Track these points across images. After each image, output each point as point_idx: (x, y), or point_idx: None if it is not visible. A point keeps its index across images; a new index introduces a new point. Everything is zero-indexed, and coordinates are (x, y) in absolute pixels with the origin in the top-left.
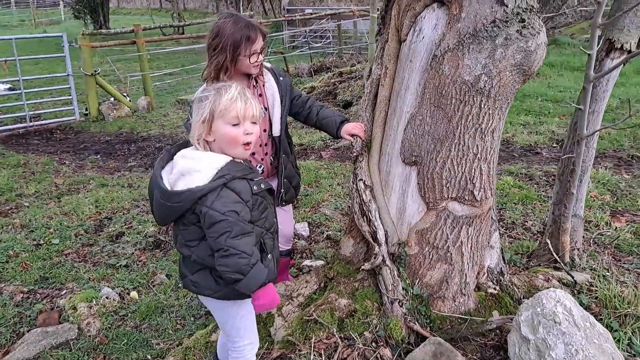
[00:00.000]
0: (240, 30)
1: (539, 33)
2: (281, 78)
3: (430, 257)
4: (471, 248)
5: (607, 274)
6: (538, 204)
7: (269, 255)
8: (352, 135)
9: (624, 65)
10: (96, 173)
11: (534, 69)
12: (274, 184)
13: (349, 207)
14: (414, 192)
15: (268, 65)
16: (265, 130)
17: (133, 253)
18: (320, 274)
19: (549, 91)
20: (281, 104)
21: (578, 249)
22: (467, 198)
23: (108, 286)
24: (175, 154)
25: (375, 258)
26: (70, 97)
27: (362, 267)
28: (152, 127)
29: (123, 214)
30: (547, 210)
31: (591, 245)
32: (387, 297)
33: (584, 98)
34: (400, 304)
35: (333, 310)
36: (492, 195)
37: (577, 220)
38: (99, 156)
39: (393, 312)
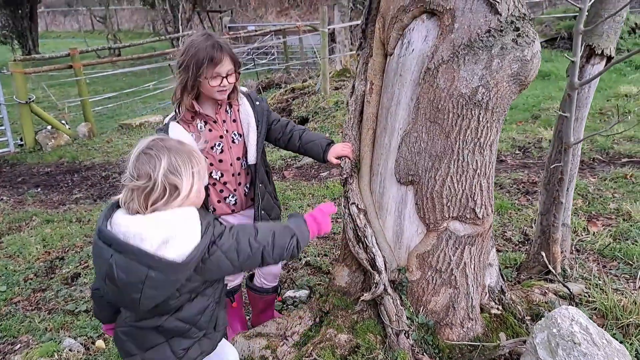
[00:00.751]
0: (205, 50)
1: (534, 41)
2: (257, 102)
3: (434, 281)
4: (474, 268)
5: (600, 282)
6: (513, 212)
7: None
8: (340, 158)
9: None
10: (38, 208)
11: (530, 79)
12: (250, 215)
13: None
14: (411, 214)
15: (244, 89)
16: (239, 159)
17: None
18: (315, 307)
19: None
20: (257, 129)
21: (568, 259)
22: (468, 216)
23: (69, 336)
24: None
25: (376, 287)
26: (2, 128)
27: (362, 298)
28: (95, 155)
29: (76, 252)
30: (525, 219)
31: (573, 252)
32: (392, 328)
33: (569, 105)
34: (407, 335)
35: (334, 348)
36: (492, 211)
37: (565, 229)
38: (39, 189)
39: (399, 344)
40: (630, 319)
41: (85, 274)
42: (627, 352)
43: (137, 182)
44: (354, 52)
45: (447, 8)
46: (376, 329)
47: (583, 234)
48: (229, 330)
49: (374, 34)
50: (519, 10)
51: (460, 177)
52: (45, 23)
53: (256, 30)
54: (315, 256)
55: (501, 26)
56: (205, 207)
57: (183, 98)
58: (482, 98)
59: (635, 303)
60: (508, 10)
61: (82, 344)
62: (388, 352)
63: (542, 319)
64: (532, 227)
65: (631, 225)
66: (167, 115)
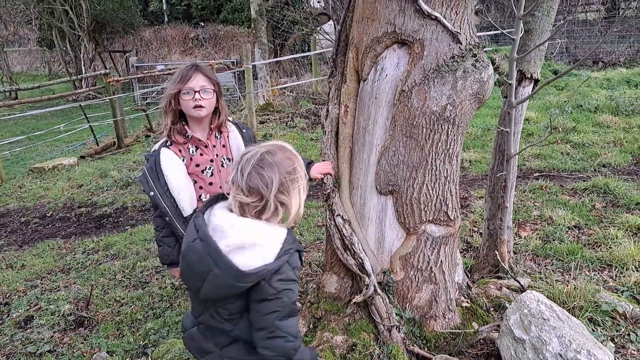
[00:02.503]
0: (180, 71)
1: (488, 65)
2: (244, 130)
3: (417, 279)
4: (449, 265)
5: (542, 276)
6: None
7: None
8: (324, 174)
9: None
10: None
11: (487, 97)
12: None
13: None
14: (391, 220)
15: (230, 118)
16: (227, 182)
17: (52, 336)
18: (307, 315)
19: None
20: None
21: (512, 258)
22: (442, 219)
23: None
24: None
25: (366, 289)
26: None
27: (354, 300)
28: (9, 201)
29: (20, 296)
30: (463, 230)
31: (511, 254)
32: (383, 325)
33: (508, 122)
34: (398, 329)
35: (333, 349)
36: (460, 213)
37: (509, 231)
38: None
39: (392, 338)
40: (575, 303)
41: (40, 316)
42: (583, 325)
43: (246, 199)
44: (274, 87)
45: (417, 38)
46: (369, 327)
47: (516, 238)
48: None
49: (346, 63)
50: (474, 40)
51: (434, 185)
52: None
53: (170, 69)
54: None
55: (462, 53)
56: None
57: (169, 121)
58: (450, 114)
59: (576, 288)
60: (467, 39)
61: None
62: (382, 346)
63: (512, 303)
64: (472, 237)
65: (555, 228)
66: (156, 142)
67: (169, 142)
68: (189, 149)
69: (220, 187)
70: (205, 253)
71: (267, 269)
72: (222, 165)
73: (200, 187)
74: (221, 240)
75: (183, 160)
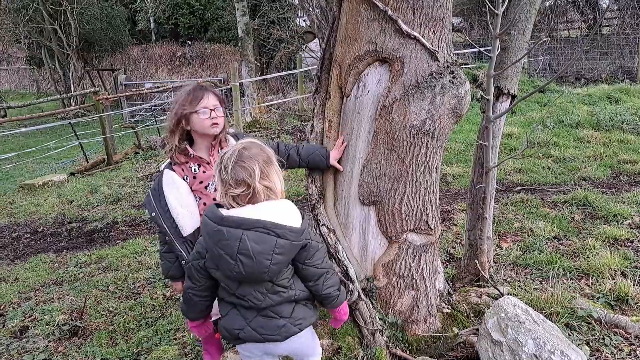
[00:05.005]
0: (188, 92)
1: (465, 82)
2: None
3: (399, 286)
4: (429, 272)
5: (521, 284)
6: None
7: None
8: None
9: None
10: None
11: (464, 111)
12: None
13: None
14: (374, 230)
15: (231, 130)
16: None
17: (47, 346)
18: None
19: None
20: None
21: (492, 267)
22: (423, 228)
23: None
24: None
25: (351, 295)
26: None
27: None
28: None
29: (14, 308)
30: (446, 241)
31: (491, 264)
32: (367, 329)
33: (487, 136)
34: (381, 333)
35: None
36: (440, 223)
37: (489, 241)
38: None
39: (375, 342)
40: (552, 309)
41: (35, 326)
42: (558, 328)
43: (236, 190)
44: (261, 105)
45: (397, 56)
46: (353, 332)
47: (497, 249)
48: (208, 356)
49: (330, 80)
50: (452, 57)
51: (415, 195)
52: None
53: (158, 87)
54: None
55: (440, 70)
56: (187, 250)
57: (176, 141)
58: (429, 128)
59: (553, 295)
60: (444, 57)
61: None
62: (366, 349)
63: (490, 308)
64: (454, 248)
65: (535, 240)
66: (162, 163)
67: (173, 163)
68: (191, 167)
69: None
70: (262, 235)
71: (306, 224)
72: None
73: (205, 204)
74: (260, 219)
75: (186, 179)
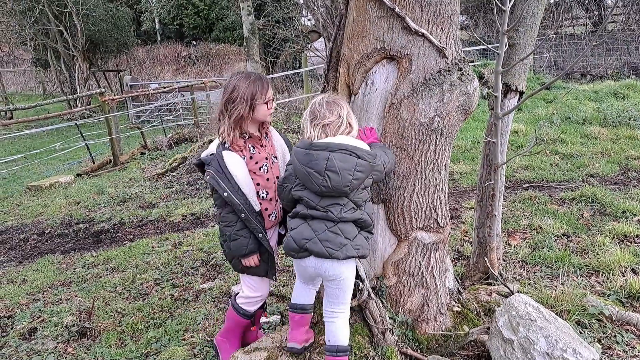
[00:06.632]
0: (254, 82)
1: (474, 79)
2: (282, 131)
3: (409, 284)
4: (439, 270)
5: (531, 282)
6: None
7: None
8: None
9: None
10: None
11: (473, 108)
12: (281, 231)
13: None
14: (383, 228)
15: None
16: (277, 177)
17: (56, 347)
18: None
19: None
20: (289, 152)
21: (502, 265)
22: (432, 226)
23: None
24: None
25: (361, 294)
26: None
27: (350, 305)
28: (7, 219)
29: (23, 309)
30: (454, 239)
31: (501, 262)
32: (377, 328)
33: (495, 133)
34: (391, 332)
35: None
36: (449, 221)
37: (498, 239)
38: None
39: (386, 341)
40: (563, 307)
41: (43, 327)
42: (569, 326)
43: (329, 119)
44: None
45: (405, 54)
46: (363, 331)
47: (506, 247)
48: (224, 343)
49: (338, 78)
50: (460, 54)
51: (424, 193)
52: None
53: (164, 88)
54: (277, 287)
55: (448, 67)
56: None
57: (242, 127)
58: (438, 125)
59: (564, 293)
60: (452, 54)
61: None
62: (377, 349)
63: (501, 306)
64: (462, 246)
65: (544, 237)
66: (208, 148)
67: (227, 145)
68: (250, 148)
69: (274, 183)
70: (345, 155)
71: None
72: (272, 163)
73: (258, 184)
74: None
75: (244, 159)
